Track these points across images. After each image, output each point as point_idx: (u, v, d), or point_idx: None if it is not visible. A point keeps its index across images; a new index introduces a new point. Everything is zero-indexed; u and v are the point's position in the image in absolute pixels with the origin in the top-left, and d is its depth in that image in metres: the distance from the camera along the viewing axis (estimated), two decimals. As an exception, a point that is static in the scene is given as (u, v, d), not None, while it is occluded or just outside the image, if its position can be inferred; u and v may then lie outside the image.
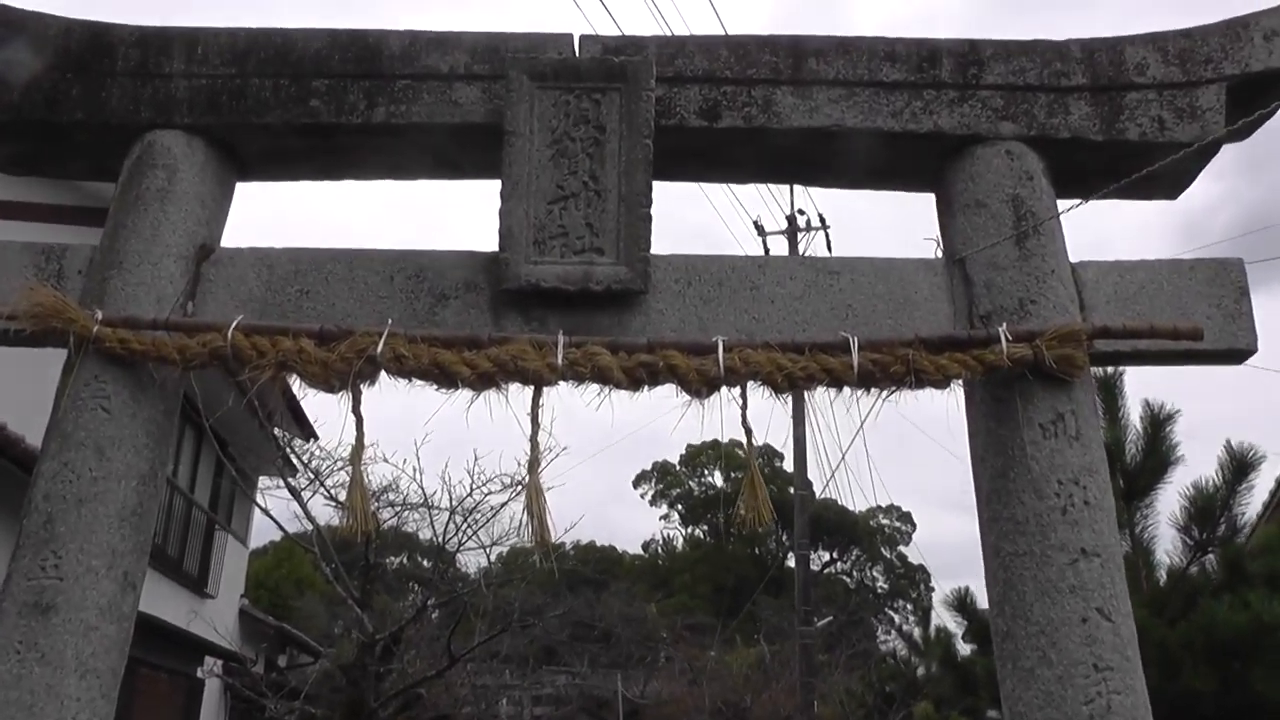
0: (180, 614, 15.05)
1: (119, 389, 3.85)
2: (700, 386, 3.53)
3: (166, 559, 15.20)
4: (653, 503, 78.35)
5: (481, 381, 3.55)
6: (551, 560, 10.63)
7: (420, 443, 13.20)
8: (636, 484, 78.17)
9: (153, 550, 12.07)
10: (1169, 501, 6.79)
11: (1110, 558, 3.58)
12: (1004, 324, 3.72)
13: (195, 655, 15.27)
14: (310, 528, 11.76)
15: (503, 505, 11.62)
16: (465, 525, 11.66)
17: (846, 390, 3.73)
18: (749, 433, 3.65)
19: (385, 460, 12.02)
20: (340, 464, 11.70)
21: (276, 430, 16.23)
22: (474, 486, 11.65)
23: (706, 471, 78.82)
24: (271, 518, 12.35)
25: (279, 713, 12.71)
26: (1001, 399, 3.78)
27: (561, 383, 3.61)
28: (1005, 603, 3.64)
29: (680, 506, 78.11)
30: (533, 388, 3.60)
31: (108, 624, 3.69)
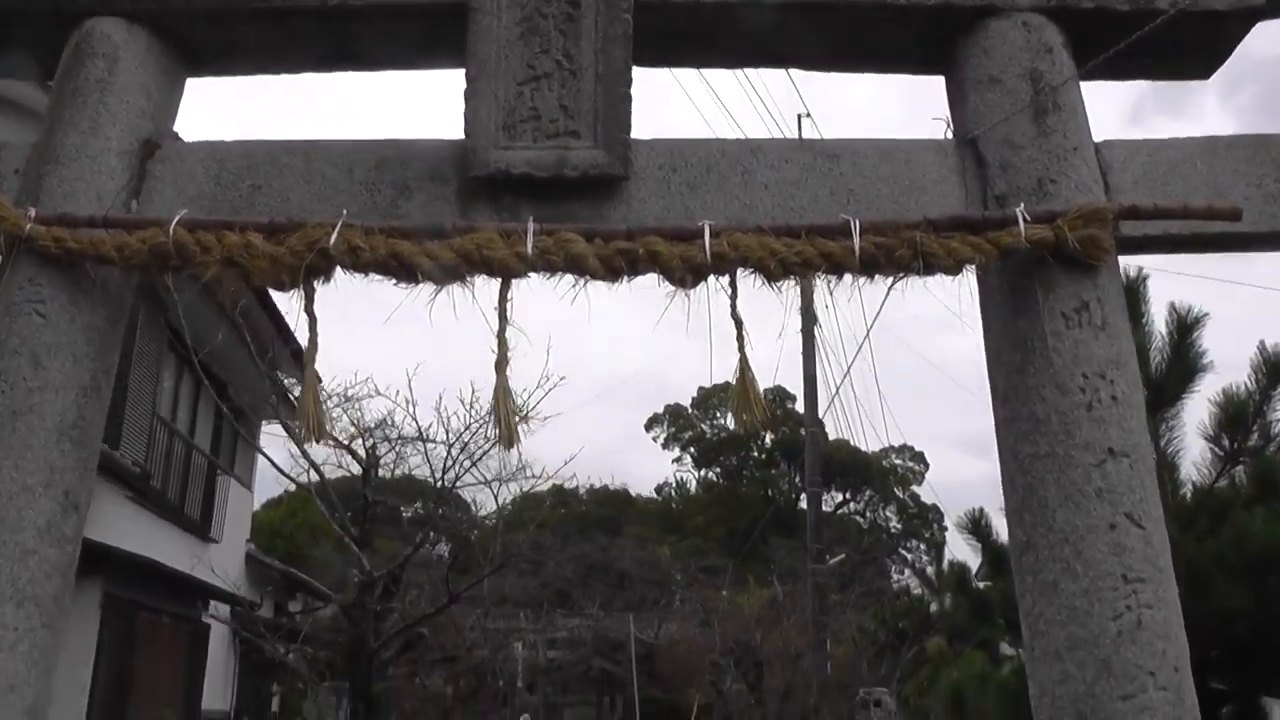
0: (183, 559, 14.84)
1: (56, 293, 3.54)
2: (685, 275, 3.19)
3: (166, 503, 14.98)
4: (665, 446, 78.18)
5: (444, 274, 3.22)
6: (533, 484, 10.31)
7: (412, 373, 12.70)
8: (649, 427, 78.02)
9: (152, 494, 11.84)
10: (1196, 412, 6.44)
11: (1141, 458, 3.24)
12: (1021, 204, 3.36)
13: (199, 600, 15.08)
14: (310, 470, 11.48)
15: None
16: (462, 457, 11.32)
17: (849, 292, 3.38)
18: (739, 324, 3.31)
19: (378, 393, 11.59)
20: (336, 400, 11.37)
21: (276, 372, 15.98)
22: (471, 419, 11.28)
23: (718, 414, 78.75)
24: (269, 459, 12.07)
25: (280, 655, 12.51)
26: (1019, 288, 3.43)
27: (533, 274, 3.26)
28: (1025, 510, 3.32)
29: (693, 449, 78.06)
30: (500, 280, 3.26)
31: (47, 547, 3.39)
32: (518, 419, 3.12)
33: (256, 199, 3.77)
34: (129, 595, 12.63)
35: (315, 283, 3.33)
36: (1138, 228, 3.49)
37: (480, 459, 11.30)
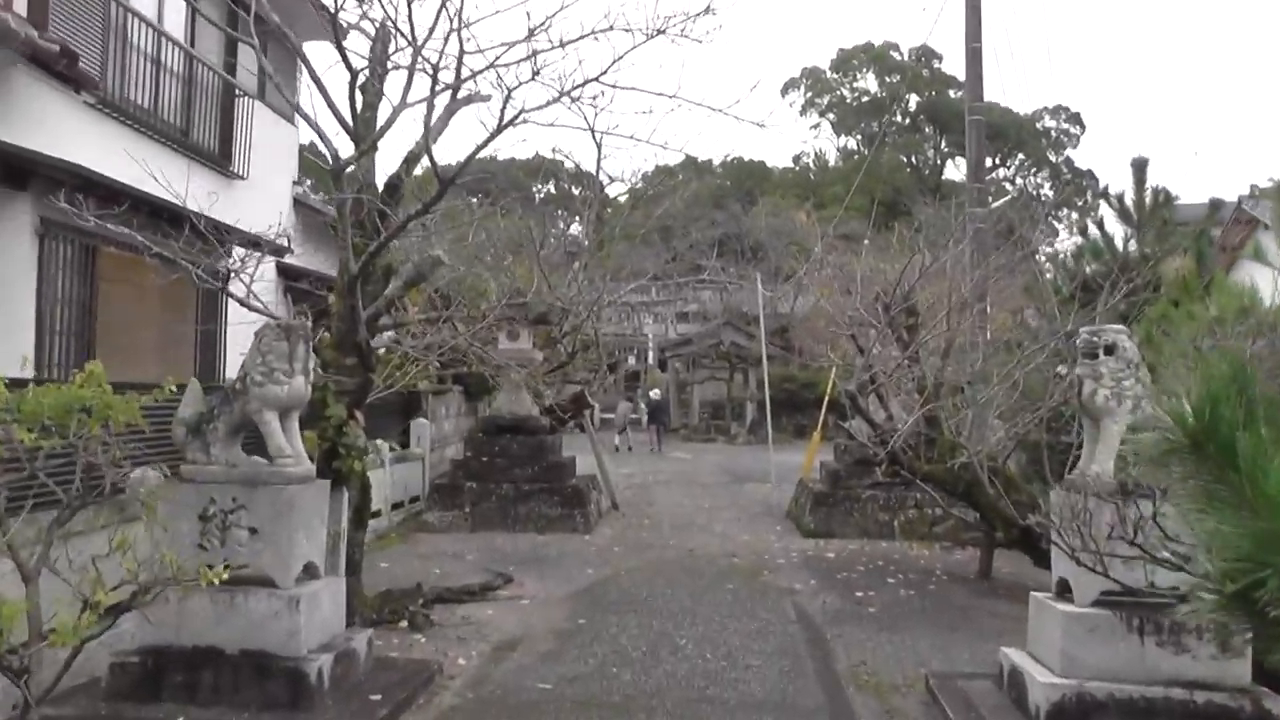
0: (191, 193, 11.95)
1: None
2: None
3: (156, 120, 11.90)
4: (802, 112, 73.57)
5: None
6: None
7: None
8: (784, 92, 73.26)
9: (126, 106, 8.65)
10: None
11: None
12: None
13: (211, 242, 12.17)
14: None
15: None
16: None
17: None
18: None
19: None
20: None
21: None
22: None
23: (859, 75, 73.09)
24: (315, 78, 8.35)
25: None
26: None
27: None
28: None
29: (831, 115, 73.13)
30: None
31: None
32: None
33: None
34: (86, 227, 9.69)
35: None
36: None
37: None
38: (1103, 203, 14.27)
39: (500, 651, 7.96)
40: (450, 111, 8.16)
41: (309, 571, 6.68)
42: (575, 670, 7.42)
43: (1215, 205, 14.39)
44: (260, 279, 10.32)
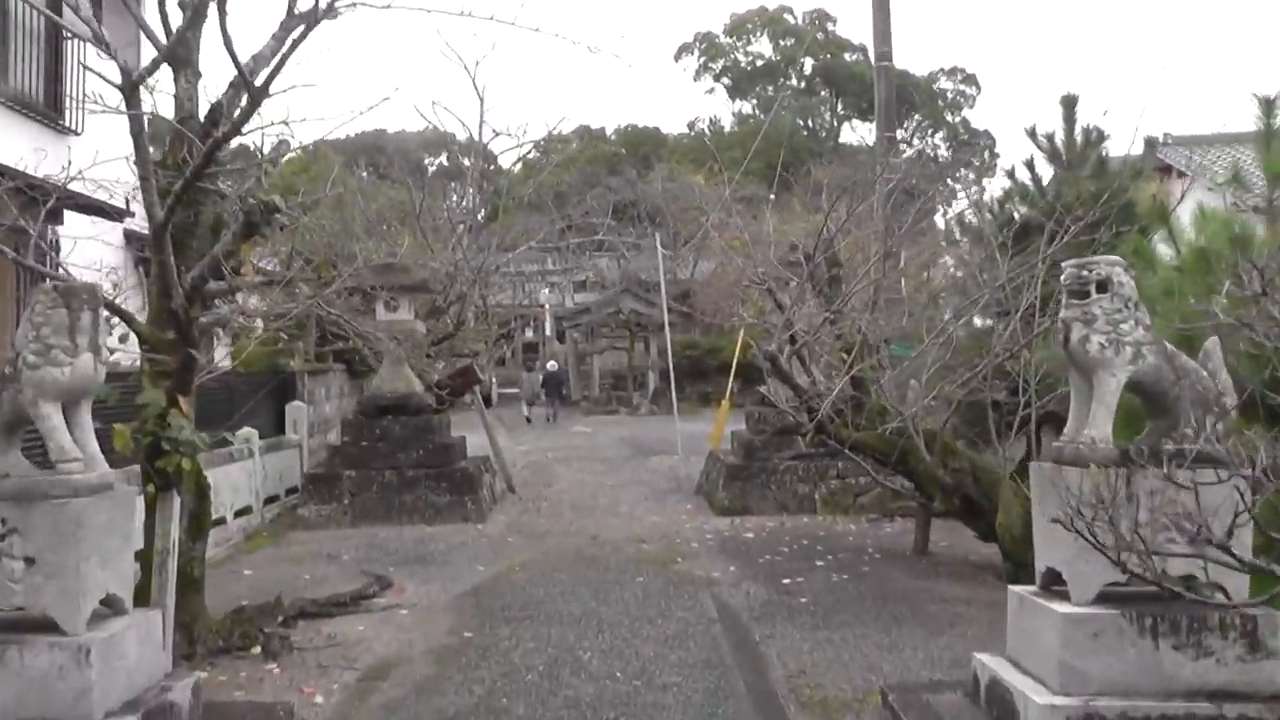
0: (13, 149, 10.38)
1: None
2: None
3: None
4: (696, 77, 72.31)
5: None
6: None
7: None
8: (678, 57, 71.97)
9: None
10: None
11: None
12: None
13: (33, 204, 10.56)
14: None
15: None
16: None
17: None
18: None
19: None
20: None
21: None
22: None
23: (753, 39, 71.99)
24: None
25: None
26: None
27: None
28: None
29: (726, 79, 71.94)
30: None
31: None
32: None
33: None
34: None
35: None
36: None
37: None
38: (1031, 143, 13.17)
39: (368, 682, 6.56)
40: (286, 29, 6.73)
41: (111, 605, 5.23)
42: (457, 703, 6.05)
43: (1150, 143, 13.48)
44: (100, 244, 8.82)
